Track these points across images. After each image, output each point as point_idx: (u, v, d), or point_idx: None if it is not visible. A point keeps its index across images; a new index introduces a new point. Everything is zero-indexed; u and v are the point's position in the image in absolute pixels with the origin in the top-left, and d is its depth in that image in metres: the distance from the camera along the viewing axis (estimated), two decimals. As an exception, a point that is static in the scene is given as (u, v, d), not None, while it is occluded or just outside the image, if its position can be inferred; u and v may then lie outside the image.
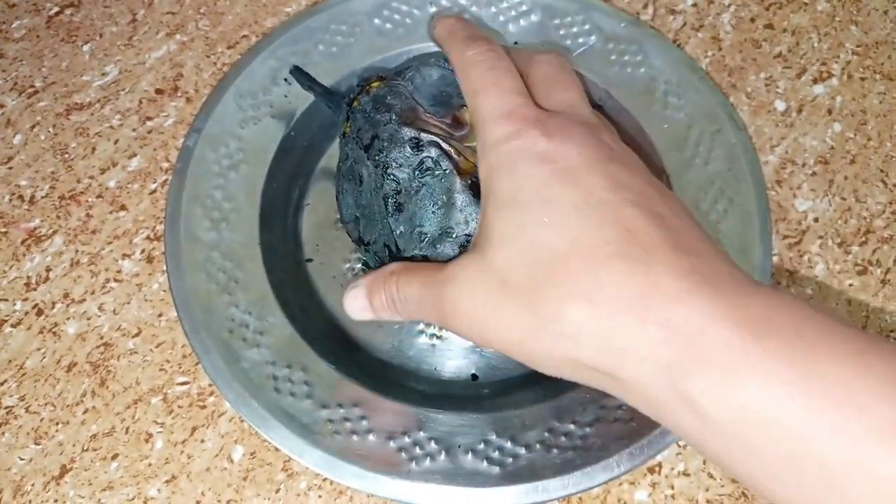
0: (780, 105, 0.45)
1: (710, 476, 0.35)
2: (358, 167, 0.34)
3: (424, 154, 0.31)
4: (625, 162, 0.27)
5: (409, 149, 0.32)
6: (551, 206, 0.25)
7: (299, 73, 0.41)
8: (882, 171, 0.43)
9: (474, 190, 0.30)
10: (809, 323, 0.21)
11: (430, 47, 0.44)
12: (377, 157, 0.32)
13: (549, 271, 0.24)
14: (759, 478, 0.21)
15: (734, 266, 0.25)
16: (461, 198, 0.31)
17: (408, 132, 0.32)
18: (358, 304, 0.32)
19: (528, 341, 0.25)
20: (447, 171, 0.31)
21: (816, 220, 0.42)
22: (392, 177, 0.32)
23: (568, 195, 0.25)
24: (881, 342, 0.21)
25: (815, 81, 0.46)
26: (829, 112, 0.45)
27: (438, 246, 0.31)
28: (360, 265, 0.40)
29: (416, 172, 0.32)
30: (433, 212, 0.31)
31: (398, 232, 0.32)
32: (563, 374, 0.26)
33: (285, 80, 0.42)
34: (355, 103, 0.35)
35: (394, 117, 0.32)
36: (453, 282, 0.27)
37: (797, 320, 0.21)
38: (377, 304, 0.31)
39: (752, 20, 0.49)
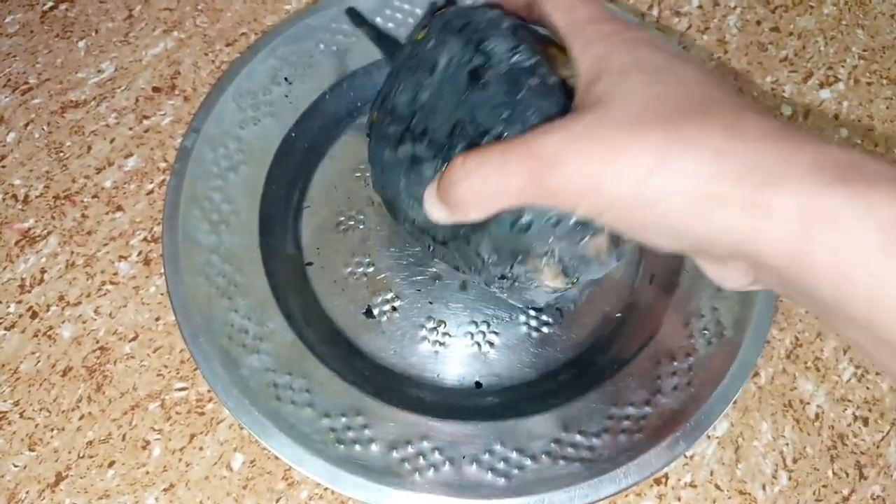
0: (786, 110, 0.45)
1: (718, 487, 0.35)
2: (437, 52, 0.32)
3: (522, 46, 0.29)
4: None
5: (507, 34, 0.29)
6: (678, 73, 0.24)
7: (354, 15, 0.41)
8: (889, 177, 0.43)
9: (565, 93, 0.28)
10: None
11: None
12: (471, 35, 0.30)
13: (684, 110, 0.23)
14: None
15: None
16: (554, 99, 0.28)
17: (508, 22, 0.30)
18: (434, 198, 0.26)
19: (654, 177, 0.22)
20: (540, 64, 0.29)
21: (823, 226, 0.41)
22: (485, 51, 0.29)
23: (688, 70, 0.24)
24: None
25: (821, 86, 0.46)
26: (836, 117, 0.45)
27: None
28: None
29: (510, 55, 0.29)
30: (519, 99, 0.28)
31: (479, 108, 0.29)
32: (678, 222, 0.23)
33: (286, 79, 0.42)
34: (441, 11, 0.33)
35: (492, 11, 0.31)
36: (554, 133, 0.23)
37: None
38: (456, 196, 0.25)
39: (758, 23, 0.48)
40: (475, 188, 0.25)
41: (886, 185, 0.19)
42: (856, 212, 0.19)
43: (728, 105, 0.22)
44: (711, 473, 0.35)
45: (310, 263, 0.39)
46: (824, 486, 0.35)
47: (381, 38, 0.42)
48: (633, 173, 0.22)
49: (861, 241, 0.19)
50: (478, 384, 0.37)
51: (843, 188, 0.20)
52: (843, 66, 0.47)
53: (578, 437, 0.33)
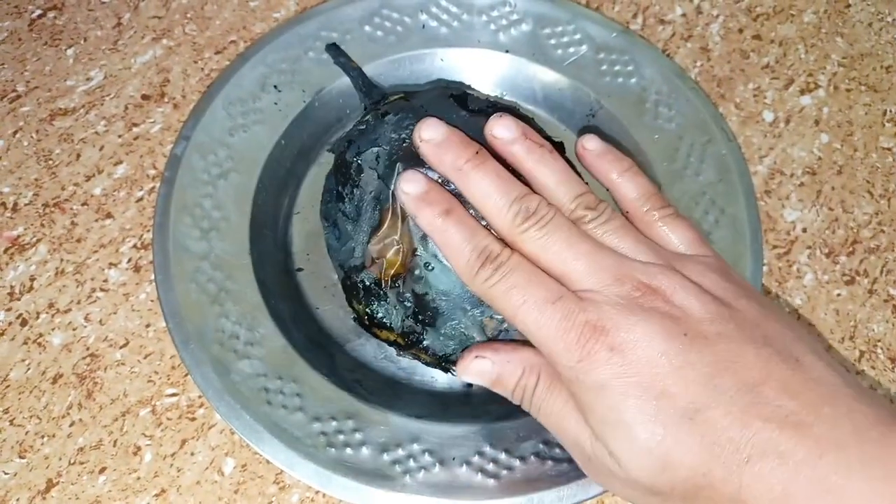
0: (768, 116, 0.46)
1: (703, 486, 0.35)
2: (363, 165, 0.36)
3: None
4: (738, 301, 0.27)
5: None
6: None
7: (335, 51, 0.41)
8: (868, 181, 0.44)
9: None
10: None
11: (422, 57, 0.44)
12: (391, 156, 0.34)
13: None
14: None
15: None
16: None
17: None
18: (480, 365, 0.29)
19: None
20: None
21: (805, 230, 0.42)
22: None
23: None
24: None
25: (802, 92, 0.47)
26: (817, 123, 0.46)
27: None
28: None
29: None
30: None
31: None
32: None
33: (275, 87, 0.42)
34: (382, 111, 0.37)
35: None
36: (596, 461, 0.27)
37: None
38: (506, 375, 0.29)
39: (741, 31, 0.49)
40: (531, 404, 0.29)
41: None
42: None
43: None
44: (697, 473, 0.36)
45: (300, 269, 0.40)
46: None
47: (359, 76, 0.42)
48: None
49: None
50: (468, 386, 0.37)
51: None
52: (823, 73, 0.48)
53: (567, 439, 0.33)
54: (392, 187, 0.33)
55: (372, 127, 0.35)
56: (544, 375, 0.28)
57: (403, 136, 0.34)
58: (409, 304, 0.33)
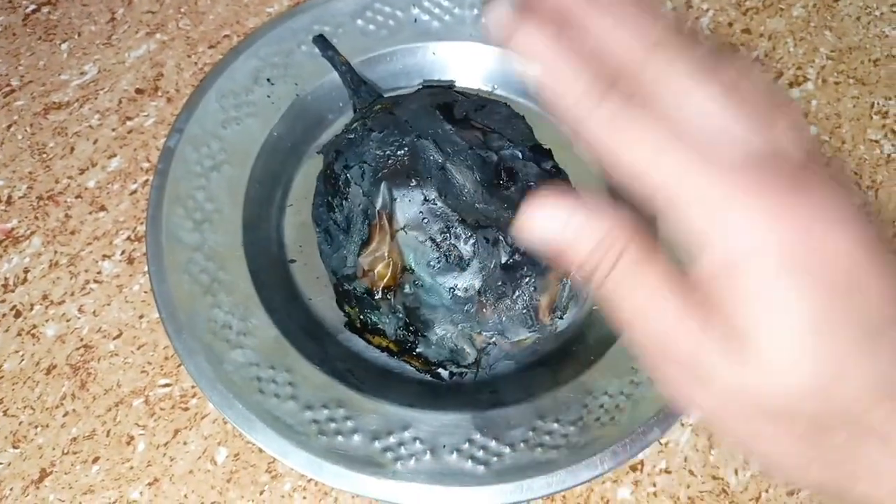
0: (757, 108, 0.46)
1: (692, 473, 0.36)
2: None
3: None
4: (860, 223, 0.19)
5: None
6: (838, 335, 0.18)
7: (322, 43, 0.42)
8: (856, 173, 0.44)
9: None
10: None
11: (414, 50, 0.44)
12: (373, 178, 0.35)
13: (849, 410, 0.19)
14: None
15: None
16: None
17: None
18: (553, 216, 0.20)
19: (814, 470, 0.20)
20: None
21: (793, 221, 0.43)
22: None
23: (857, 320, 0.18)
24: None
25: (791, 85, 0.47)
26: (805, 115, 0.46)
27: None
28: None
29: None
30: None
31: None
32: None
33: (268, 80, 0.42)
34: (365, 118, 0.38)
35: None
36: (717, 372, 0.19)
37: None
38: (584, 235, 0.19)
39: (730, 24, 0.49)
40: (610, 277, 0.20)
41: None
42: None
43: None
44: (685, 460, 0.36)
45: (292, 261, 0.40)
46: (795, 472, 0.36)
47: (347, 71, 0.43)
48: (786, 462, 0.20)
49: None
50: (460, 376, 0.37)
51: None
52: (811, 67, 0.48)
53: (555, 426, 0.34)
54: (378, 206, 0.34)
55: (360, 138, 0.36)
56: (638, 241, 0.19)
57: (388, 152, 0.35)
58: (401, 316, 0.34)
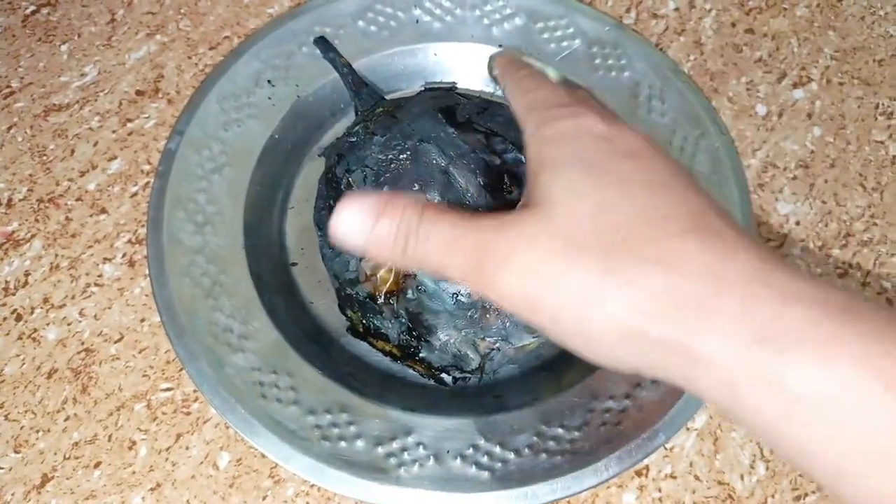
0: (761, 109, 0.46)
1: (697, 478, 0.36)
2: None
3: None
4: (676, 161, 0.26)
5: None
6: (621, 176, 0.24)
7: (323, 45, 0.41)
8: (861, 174, 0.44)
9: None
10: (885, 312, 0.21)
11: (415, 51, 0.44)
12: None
13: (623, 234, 0.22)
14: (843, 470, 0.20)
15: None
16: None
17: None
18: (354, 223, 0.24)
19: (590, 308, 0.22)
20: None
21: (798, 223, 0.42)
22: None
23: (633, 170, 0.24)
24: None
25: (794, 86, 0.47)
26: (809, 116, 0.46)
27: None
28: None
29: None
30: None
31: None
32: (617, 353, 0.23)
33: (269, 81, 0.42)
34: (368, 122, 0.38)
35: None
36: (503, 231, 0.23)
37: (874, 308, 0.21)
38: (382, 232, 0.24)
39: (733, 25, 0.49)
40: (408, 244, 0.24)
41: (807, 347, 0.20)
42: (772, 376, 0.20)
43: (670, 226, 0.22)
44: (691, 465, 0.36)
45: (294, 264, 0.40)
46: (801, 476, 0.36)
47: (349, 73, 0.42)
48: (569, 303, 0.22)
49: (778, 405, 0.20)
50: (464, 380, 0.37)
51: (761, 348, 0.20)
52: (815, 67, 0.48)
53: (560, 431, 0.33)
54: None
55: (361, 142, 0.36)
56: (430, 206, 0.24)
57: (390, 156, 0.34)
58: (403, 321, 0.34)
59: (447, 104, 0.37)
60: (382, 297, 0.34)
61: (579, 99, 0.28)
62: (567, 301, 0.23)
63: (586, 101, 0.29)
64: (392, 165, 0.34)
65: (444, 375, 0.35)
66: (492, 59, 0.33)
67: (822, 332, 0.20)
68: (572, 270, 0.22)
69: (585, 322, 0.23)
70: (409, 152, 0.34)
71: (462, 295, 0.33)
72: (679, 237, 0.22)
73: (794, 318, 0.20)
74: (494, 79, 0.34)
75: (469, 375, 0.35)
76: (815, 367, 0.20)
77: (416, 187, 0.34)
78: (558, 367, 0.37)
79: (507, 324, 0.33)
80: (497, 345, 0.33)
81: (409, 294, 0.34)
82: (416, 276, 0.33)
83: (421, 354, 0.35)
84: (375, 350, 0.36)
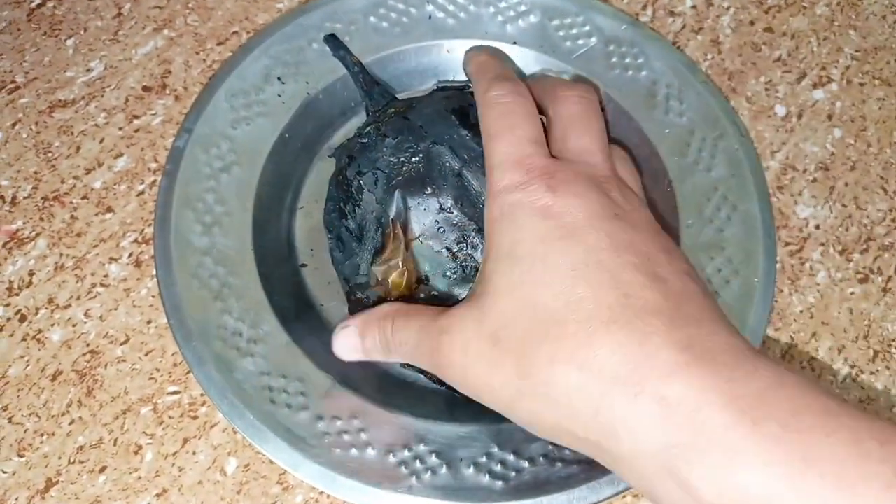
0: (780, 110, 0.45)
1: (714, 488, 0.35)
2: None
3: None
4: (631, 220, 0.27)
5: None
6: (548, 263, 0.25)
7: (334, 42, 0.40)
8: (882, 177, 0.43)
9: None
10: (807, 402, 0.21)
11: (428, 49, 0.43)
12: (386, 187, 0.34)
13: (542, 332, 0.24)
14: None
15: (735, 335, 0.24)
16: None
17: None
18: (348, 344, 0.32)
19: (518, 403, 0.25)
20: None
21: (818, 227, 0.41)
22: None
23: (566, 253, 0.25)
24: (879, 424, 0.21)
25: (814, 86, 0.46)
26: (829, 117, 0.45)
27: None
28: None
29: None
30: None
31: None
32: (555, 439, 0.26)
33: (278, 78, 0.41)
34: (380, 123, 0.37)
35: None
36: (449, 332, 0.27)
37: (795, 401, 0.21)
38: (369, 345, 0.31)
39: (752, 23, 0.48)
40: (390, 350, 0.31)
41: (714, 454, 0.21)
42: (683, 482, 0.21)
43: (590, 320, 0.23)
44: (708, 474, 0.35)
45: (304, 265, 0.39)
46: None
47: (360, 72, 0.41)
48: (498, 400, 0.26)
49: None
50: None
51: (674, 453, 0.21)
52: (835, 67, 0.47)
53: (576, 440, 0.33)
54: (391, 215, 0.32)
55: (372, 144, 0.35)
56: (399, 316, 0.30)
57: (402, 159, 0.33)
58: None
59: (460, 105, 0.36)
60: (394, 300, 0.33)
61: (559, 117, 0.31)
62: (499, 397, 0.25)
63: (568, 123, 0.30)
64: (404, 168, 0.33)
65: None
66: (466, 54, 0.34)
67: (730, 437, 0.20)
68: (497, 371, 0.25)
69: (517, 415, 0.26)
70: (421, 155, 0.34)
71: None
72: (599, 333, 0.23)
73: (705, 422, 0.21)
74: (468, 77, 0.35)
75: None
76: (723, 475, 0.20)
77: (429, 191, 0.33)
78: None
79: None
80: None
81: (423, 297, 0.33)
82: (428, 280, 0.33)
83: None
84: None
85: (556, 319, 0.24)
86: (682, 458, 0.21)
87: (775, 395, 0.21)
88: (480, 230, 0.32)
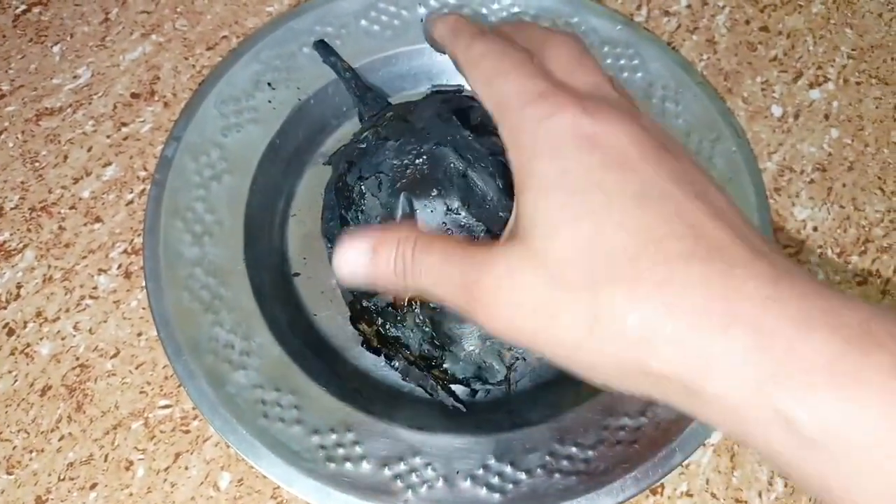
0: (776, 110, 0.45)
1: (714, 496, 0.34)
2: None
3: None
4: (674, 149, 0.24)
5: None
6: (608, 194, 0.22)
7: (324, 49, 0.40)
8: (880, 178, 0.43)
9: None
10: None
11: (421, 52, 0.42)
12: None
13: (614, 266, 0.21)
14: None
15: (802, 268, 0.22)
16: None
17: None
18: (356, 257, 0.26)
19: (587, 346, 0.22)
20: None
21: (815, 228, 0.41)
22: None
23: (626, 183, 0.22)
24: None
25: (811, 86, 0.46)
26: (826, 117, 0.44)
27: None
28: None
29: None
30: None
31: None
32: (622, 383, 0.22)
33: (269, 84, 0.41)
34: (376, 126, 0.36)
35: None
36: (492, 267, 0.23)
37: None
38: (382, 267, 0.25)
39: (747, 22, 0.48)
40: (406, 274, 0.25)
41: (821, 385, 0.19)
42: (784, 418, 0.19)
43: (666, 251, 0.21)
44: (707, 482, 0.35)
45: (297, 274, 0.38)
46: (821, 493, 0.35)
47: (352, 78, 0.41)
48: (560, 340, 0.22)
49: (791, 447, 0.19)
50: (471, 396, 0.36)
51: (772, 388, 0.19)
52: (832, 66, 0.46)
53: (574, 450, 0.32)
54: (397, 218, 0.32)
55: (373, 148, 0.34)
56: (422, 237, 0.25)
57: (406, 161, 0.33)
58: (427, 329, 0.32)
59: (460, 106, 0.36)
60: (405, 304, 0.33)
61: (556, 61, 0.26)
62: (563, 340, 0.22)
63: (567, 63, 0.26)
64: (408, 171, 0.33)
65: (462, 388, 0.34)
66: (429, 22, 0.30)
67: (839, 367, 0.19)
68: (562, 311, 0.22)
69: (583, 359, 0.22)
70: (425, 157, 0.33)
71: None
72: (677, 264, 0.21)
73: (808, 352, 0.19)
74: (435, 46, 0.31)
75: (490, 388, 0.34)
76: (830, 406, 0.18)
77: (435, 192, 0.32)
78: (571, 382, 0.36)
79: None
80: (522, 354, 0.32)
81: (432, 302, 0.32)
82: None
83: (444, 365, 0.33)
84: (388, 365, 0.35)
85: (628, 252, 0.21)
86: (784, 390, 0.19)
87: (876, 325, 0.19)
88: (489, 231, 0.32)
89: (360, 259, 0.25)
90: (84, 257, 0.39)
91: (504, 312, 0.23)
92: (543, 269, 0.22)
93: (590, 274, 0.21)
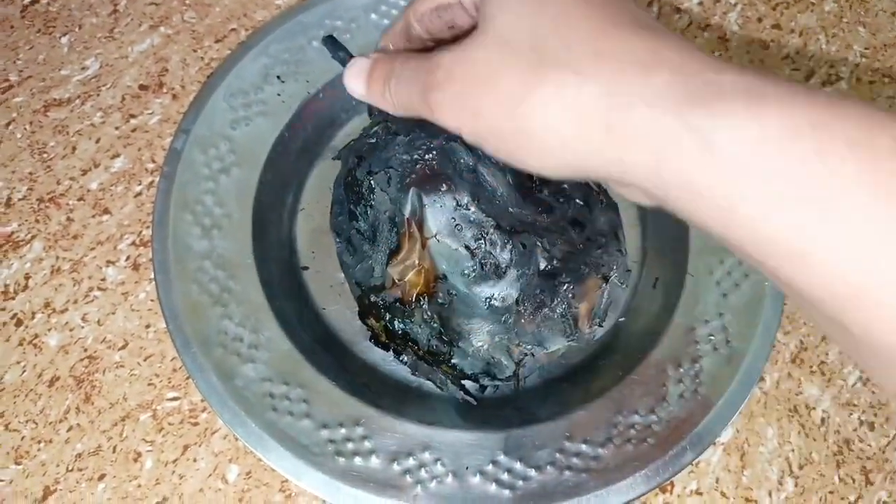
0: (788, 108, 0.44)
1: (724, 495, 0.34)
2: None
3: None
4: None
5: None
6: None
7: (332, 44, 0.40)
8: (891, 177, 0.42)
9: None
10: (798, 87, 0.20)
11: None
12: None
13: (556, 27, 0.23)
14: (759, 230, 0.20)
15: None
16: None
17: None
18: (359, 72, 0.30)
19: (527, 98, 0.23)
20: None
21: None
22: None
23: None
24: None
25: (823, 84, 0.45)
26: (838, 116, 0.44)
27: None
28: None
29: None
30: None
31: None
32: (553, 143, 0.23)
33: (278, 77, 0.40)
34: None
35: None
36: (449, 50, 0.25)
37: (790, 84, 0.20)
38: (375, 75, 0.29)
39: (759, 20, 0.47)
40: (389, 88, 0.28)
41: (737, 105, 0.19)
42: (701, 136, 0.20)
43: (595, 21, 0.22)
44: (717, 481, 0.35)
45: (305, 268, 0.38)
46: (830, 493, 0.35)
47: None
48: (505, 102, 0.23)
49: (701, 162, 0.20)
50: (480, 391, 0.36)
51: (689, 109, 0.20)
52: (844, 65, 0.46)
53: (584, 447, 0.32)
54: (406, 213, 0.32)
55: (382, 143, 0.34)
56: (401, 55, 0.28)
57: (416, 156, 0.33)
58: (435, 325, 0.32)
59: None
60: (413, 299, 0.33)
61: None
62: (502, 103, 0.23)
63: None
64: (418, 166, 0.32)
65: (471, 383, 0.34)
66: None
67: (754, 91, 0.20)
68: (504, 75, 0.23)
69: (521, 122, 0.23)
70: (435, 152, 0.33)
71: (496, 299, 0.31)
72: (615, 27, 0.22)
73: (725, 83, 0.20)
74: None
75: (499, 384, 0.34)
76: (739, 119, 0.19)
77: (445, 188, 0.32)
78: (581, 378, 0.36)
79: (542, 329, 0.32)
80: (531, 350, 0.32)
81: (440, 298, 0.32)
82: (445, 278, 0.32)
83: (453, 360, 0.33)
84: (397, 360, 0.35)
85: (570, 17, 0.23)
86: (701, 111, 0.20)
87: (776, 77, 0.21)
88: (498, 227, 0.31)
89: (361, 72, 0.30)
90: (92, 249, 0.39)
91: (454, 84, 0.24)
92: (491, 46, 0.24)
93: (535, 32, 0.23)
